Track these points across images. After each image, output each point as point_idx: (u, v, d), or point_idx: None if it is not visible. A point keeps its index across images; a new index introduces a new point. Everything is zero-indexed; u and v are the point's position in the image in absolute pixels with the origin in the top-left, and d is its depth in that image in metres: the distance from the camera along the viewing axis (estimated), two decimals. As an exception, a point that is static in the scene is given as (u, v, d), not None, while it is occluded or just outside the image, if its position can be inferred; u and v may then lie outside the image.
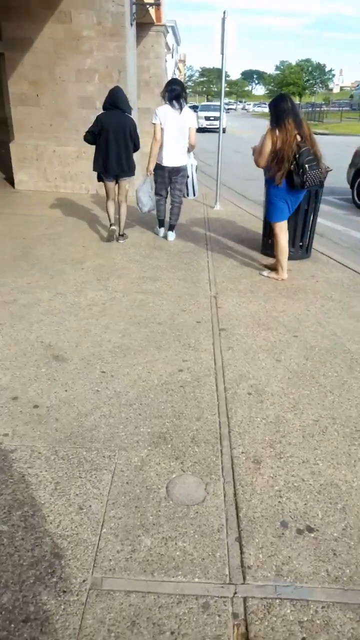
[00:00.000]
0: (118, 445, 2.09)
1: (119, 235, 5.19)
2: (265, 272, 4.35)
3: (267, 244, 4.93)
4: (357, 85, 66.59)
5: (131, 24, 7.40)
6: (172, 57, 28.32)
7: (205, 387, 2.57)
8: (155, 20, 13.28)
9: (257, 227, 5.79)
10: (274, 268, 4.36)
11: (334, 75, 71.08)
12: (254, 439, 2.17)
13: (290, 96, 3.96)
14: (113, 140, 4.68)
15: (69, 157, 7.67)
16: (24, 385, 2.51)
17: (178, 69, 38.36)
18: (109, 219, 5.17)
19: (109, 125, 4.67)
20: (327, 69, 67.40)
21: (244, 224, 6.22)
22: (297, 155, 3.72)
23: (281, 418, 2.32)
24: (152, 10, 11.72)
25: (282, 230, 4.13)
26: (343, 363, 2.84)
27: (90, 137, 4.79)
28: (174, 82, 4.97)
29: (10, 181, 8.02)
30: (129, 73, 7.44)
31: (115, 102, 4.71)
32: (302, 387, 2.59)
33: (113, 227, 5.14)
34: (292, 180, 3.81)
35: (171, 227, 5.35)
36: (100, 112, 4.86)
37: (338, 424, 2.29)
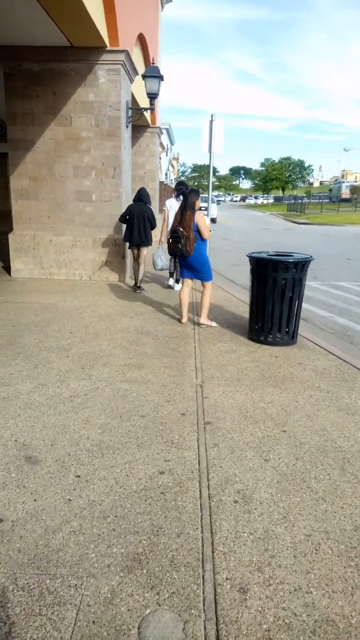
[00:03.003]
0: (87, 571, 1.86)
1: (137, 287, 7.20)
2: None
3: (254, 328, 4.94)
4: (335, 180, 72.58)
5: (127, 126, 8.11)
6: (167, 155, 31.02)
7: (188, 494, 2.37)
8: (150, 123, 14.66)
9: (244, 311, 5.86)
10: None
11: (312, 171, 77.89)
12: (240, 560, 1.94)
13: (190, 194, 5.23)
14: (136, 222, 6.89)
15: (65, 245, 7.97)
16: (-11, 494, 2.30)
17: (172, 165, 41.69)
18: (134, 277, 7.33)
19: (134, 211, 6.91)
20: (306, 165, 73.67)
21: (231, 308, 6.30)
22: (174, 232, 5.13)
23: (270, 533, 2.11)
24: (147, 114, 12.95)
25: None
26: (335, 463, 2.67)
27: (122, 219, 7.12)
28: (180, 183, 7.52)
29: (8, 270, 8.24)
30: (124, 169, 8.00)
31: (140, 197, 7.02)
32: (293, 493, 2.40)
33: (135, 283, 7.24)
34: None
35: (177, 280, 7.27)
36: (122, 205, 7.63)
37: (332, 539, 2.08)
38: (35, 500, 2.28)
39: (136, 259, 7.15)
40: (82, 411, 3.25)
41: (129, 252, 7.91)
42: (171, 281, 7.58)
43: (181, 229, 5.04)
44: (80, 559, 1.92)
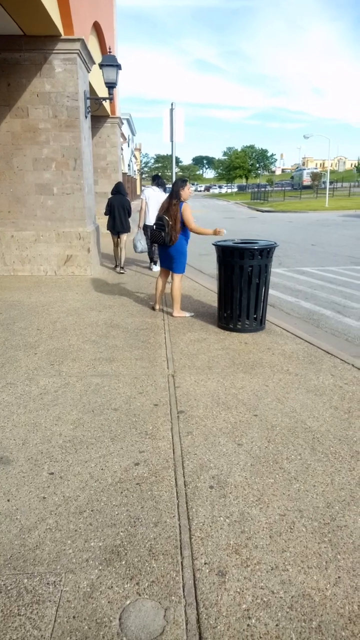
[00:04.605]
0: (65, 567, 1.84)
1: (121, 268, 8.21)
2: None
3: (223, 316, 4.98)
4: (297, 168, 73.93)
5: (86, 117, 7.93)
6: (129, 146, 30.73)
7: (163, 483, 2.38)
8: (110, 113, 14.37)
9: (213, 300, 5.90)
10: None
11: (275, 160, 79.01)
12: (217, 544, 1.97)
13: (175, 183, 5.18)
14: (116, 212, 7.88)
15: (27, 240, 7.76)
16: None
17: (134, 156, 41.21)
18: (115, 260, 8.44)
19: (114, 203, 7.87)
20: (269, 154, 74.46)
21: (200, 297, 6.32)
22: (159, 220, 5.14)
23: (246, 515, 2.15)
24: (106, 104, 12.69)
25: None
26: (305, 443, 2.75)
27: (106, 211, 8.00)
28: (157, 176, 8.27)
29: (-34, 265, 7.95)
30: (85, 161, 7.84)
31: (118, 190, 7.97)
32: (266, 474, 2.45)
33: (117, 265, 8.31)
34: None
35: (156, 262, 8.06)
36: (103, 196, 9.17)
37: (305, 517, 2.14)
38: (8, 501, 2.23)
39: (117, 244, 8.13)
40: (53, 408, 3.20)
41: (104, 241, 8.80)
42: (154, 267, 8.15)
43: (167, 218, 4.99)
44: (57, 555, 1.90)
